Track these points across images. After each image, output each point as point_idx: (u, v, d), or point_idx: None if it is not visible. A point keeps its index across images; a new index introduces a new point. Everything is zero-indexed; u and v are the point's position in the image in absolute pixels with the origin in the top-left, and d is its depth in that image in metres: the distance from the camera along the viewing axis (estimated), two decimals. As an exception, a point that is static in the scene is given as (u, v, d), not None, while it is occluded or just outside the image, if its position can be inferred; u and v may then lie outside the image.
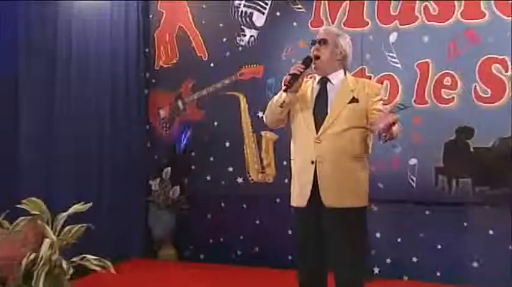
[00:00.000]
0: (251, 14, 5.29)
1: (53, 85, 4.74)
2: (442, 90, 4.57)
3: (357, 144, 3.02)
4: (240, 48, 5.34)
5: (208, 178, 5.44)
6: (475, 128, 4.45)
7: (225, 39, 5.40)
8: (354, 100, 3.03)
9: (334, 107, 3.03)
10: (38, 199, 3.65)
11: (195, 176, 5.50)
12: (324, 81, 3.13)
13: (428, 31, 4.63)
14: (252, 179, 5.26)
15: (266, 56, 5.21)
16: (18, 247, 3.48)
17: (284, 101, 3.06)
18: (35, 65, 4.56)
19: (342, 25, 4.85)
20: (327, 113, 3.03)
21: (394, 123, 2.73)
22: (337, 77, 3.12)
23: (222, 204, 5.42)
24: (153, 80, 5.76)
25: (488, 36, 4.42)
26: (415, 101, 4.64)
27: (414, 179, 4.63)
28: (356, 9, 4.85)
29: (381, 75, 4.74)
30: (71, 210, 3.69)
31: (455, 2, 4.54)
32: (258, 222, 5.26)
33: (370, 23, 4.81)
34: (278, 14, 5.20)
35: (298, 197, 3.09)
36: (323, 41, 3.10)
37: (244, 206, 5.33)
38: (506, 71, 4.38)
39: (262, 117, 3.57)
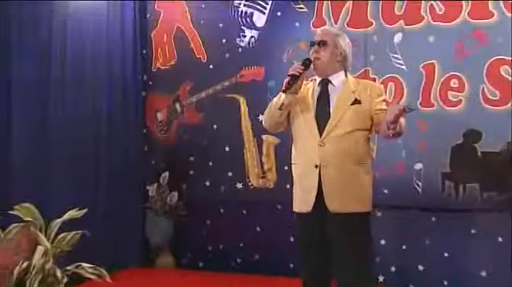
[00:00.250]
0: (251, 14, 5.24)
1: (47, 87, 4.73)
2: (449, 92, 4.50)
3: (361, 147, 3.03)
4: (240, 50, 5.27)
5: (207, 183, 5.38)
6: (483, 132, 4.37)
7: (224, 40, 5.34)
8: (356, 102, 3.04)
9: (336, 109, 3.03)
10: (31, 205, 3.65)
11: (193, 181, 5.44)
12: (325, 83, 3.13)
13: (434, 31, 4.55)
14: (252, 185, 5.20)
15: (267, 58, 5.15)
16: (11, 255, 3.49)
17: (283, 103, 3.04)
18: (28, 66, 4.54)
19: (345, 25, 4.79)
20: (329, 116, 3.02)
21: (401, 114, 2.73)
22: (338, 79, 3.12)
23: (222, 210, 5.37)
24: (151, 82, 5.69)
25: (497, 36, 4.35)
26: (420, 104, 4.55)
27: (420, 184, 4.55)
28: (359, 9, 4.79)
29: (385, 77, 4.67)
30: (65, 216, 3.70)
31: (463, 1, 4.46)
32: (258, 229, 5.20)
33: (374, 23, 4.75)
34: (279, 14, 5.13)
35: (302, 202, 3.07)
36: (322, 43, 3.10)
37: (244, 212, 5.27)
38: (515, 73, 4.33)
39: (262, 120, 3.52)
